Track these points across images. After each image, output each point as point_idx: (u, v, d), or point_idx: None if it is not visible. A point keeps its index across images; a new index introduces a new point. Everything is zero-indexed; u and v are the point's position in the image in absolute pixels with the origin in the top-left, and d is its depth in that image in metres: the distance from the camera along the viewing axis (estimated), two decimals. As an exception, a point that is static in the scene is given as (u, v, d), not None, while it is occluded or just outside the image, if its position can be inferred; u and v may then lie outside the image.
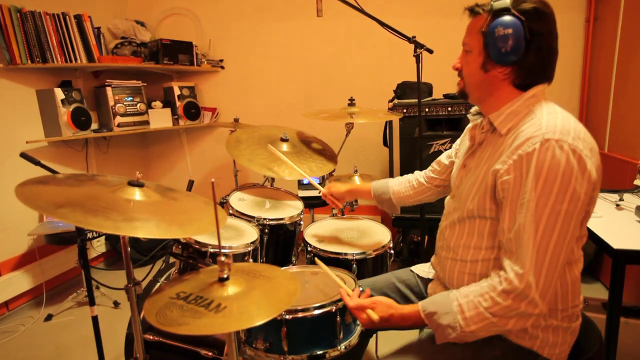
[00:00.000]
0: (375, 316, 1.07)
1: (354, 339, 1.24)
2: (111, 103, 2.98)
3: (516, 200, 0.95)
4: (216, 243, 0.98)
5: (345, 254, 1.55)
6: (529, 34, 0.98)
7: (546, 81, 1.05)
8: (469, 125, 1.23)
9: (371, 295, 1.17)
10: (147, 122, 3.20)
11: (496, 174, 0.99)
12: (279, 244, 1.80)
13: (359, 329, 1.27)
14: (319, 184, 2.96)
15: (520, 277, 0.92)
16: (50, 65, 2.67)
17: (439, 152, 2.59)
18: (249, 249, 1.53)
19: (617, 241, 1.33)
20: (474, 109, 1.21)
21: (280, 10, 3.41)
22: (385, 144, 2.90)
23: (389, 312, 1.07)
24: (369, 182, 1.60)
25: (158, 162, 3.87)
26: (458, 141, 1.36)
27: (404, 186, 1.52)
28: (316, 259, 1.42)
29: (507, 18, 0.98)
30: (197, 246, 1.47)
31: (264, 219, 1.72)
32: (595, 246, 1.43)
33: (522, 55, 0.99)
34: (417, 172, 1.53)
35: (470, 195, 1.08)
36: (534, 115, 1.00)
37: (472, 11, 1.06)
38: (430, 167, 1.48)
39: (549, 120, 0.96)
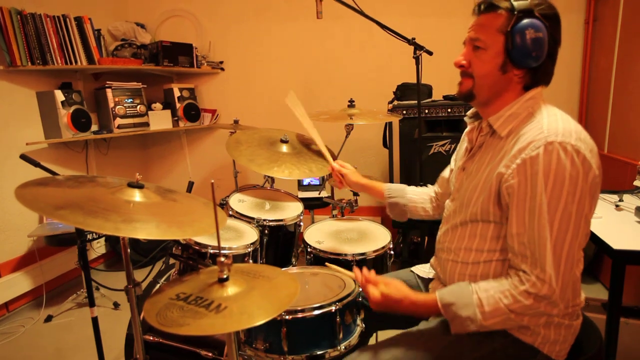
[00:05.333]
0: (386, 290, 1.04)
1: (353, 339, 1.24)
2: (111, 105, 2.98)
3: (523, 205, 0.95)
4: (216, 244, 0.98)
5: (345, 254, 1.55)
6: (552, 41, 0.99)
7: (546, 84, 1.05)
8: (467, 129, 1.22)
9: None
10: (147, 124, 3.20)
11: (501, 178, 0.99)
12: (279, 245, 1.81)
13: (358, 329, 1.27)
14: (319, 185, 2.98)
15: (541, 281, 0.93)
16: (51, 67, 2.67)
17: (439, 154, 2.62)
18: (249, 250, 1.53)
19: (617, 242, 1.33)
20: (470, 112, 1.21)
21: (280, 12, 3.41)
22: (385, 145, 2.91)
23: (401, 295, 1.05)
24: (381, 182, 1.54)
25: (158, 164, 3.88)
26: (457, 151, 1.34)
27: (421, 198, 1.46)
28: (327, 263, 1.40)
29: (536, 21, 0.97)
30: (197, 247, 1.48)
31: (264, 220, 1.72)
32: (595, 247, 1.43)
33: (542, 60, 0.99)
34: (430, 187, 1.49)
35: (472, 199, 1.07)
36: (535, 118, 1.00)
37: (491, 6, 1.01)
38: (436, 183, 1.45)
39: (550, 123, 0.96)
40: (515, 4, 0.98)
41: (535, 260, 0.94)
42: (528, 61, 0.99)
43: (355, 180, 1.52)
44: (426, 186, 1.52)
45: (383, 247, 1.61)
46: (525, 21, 0.97)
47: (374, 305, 1.08)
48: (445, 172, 1.41)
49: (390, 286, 1.07)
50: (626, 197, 1.78)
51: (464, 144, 1.25)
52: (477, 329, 0.98)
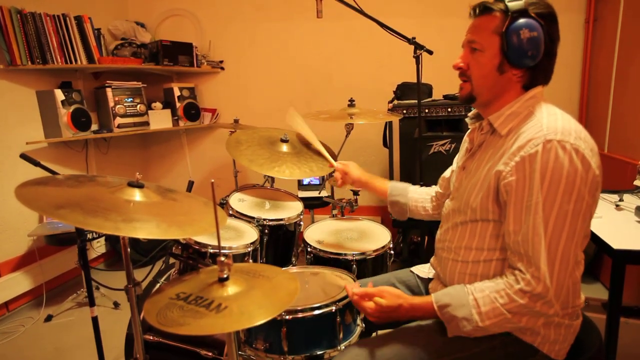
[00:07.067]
0: (383, 301, 1.04)
1: (354, 339, 1.24)
2: (111, 104, 2.98)
3: (520, 202, 0.96)
4: (216, 244, 0.98)
5: (345, 254, 1.55)
6: (548, 39, 0.99)
7: (545, 83, 1.06)
8: (468, 131, 1.22)
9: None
10: (147, 123, 3.20)
11: (499, 175, 1.00)
12: (279, 245, 1.80)
13: (358, 329, 1.27)
14: (319, 184, 2.98)
15: (536, 279, 0.93)
16: (51, 67, 2.67)
17: (439, 153, 2.62)
18: (249, 249, 1.53)
19: (617, 241, 1.33)
20: (471, 113, 1.21)
21: (280, 11, 3.41)
22: (385, 144, 2.90)
23: (398, 301, 1.05)
24: (385, 181, 1.54)
25: (158, 163, 3.87)
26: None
27: (422, 197, 1.47)
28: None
29: (530, 21, 0.98)
30: (197, 247, 1.47)
31: (264, 219, 1.72)
32: (595, 246, 1.43)
33: (540, 59, 1.00)
34: (433, 187, 1.49)
35: (471, 197, 1.08)
36: (534, 117, 1.01)
37: (486, 9, 1.03)
38: (437, 184, 1.46)
39: (550, 122, 0.97)
40: (509, 5, 0.99)
41: (529, 258, 0.94)
42: (525, 61, 1.00)
43: (357, 176, 1.52)
44: (429, 186, 1.52)
45: (383, 247, 1.61)
46: (520, 21, 0.98)
47: (373, 318, 1.08)
48: (447, 173, 1.41)
49: (385, 296, 1.06)
50: (626, 196, 1.78)
51: (465, 145, 1.25)
52: (474, 330, 0.98)
